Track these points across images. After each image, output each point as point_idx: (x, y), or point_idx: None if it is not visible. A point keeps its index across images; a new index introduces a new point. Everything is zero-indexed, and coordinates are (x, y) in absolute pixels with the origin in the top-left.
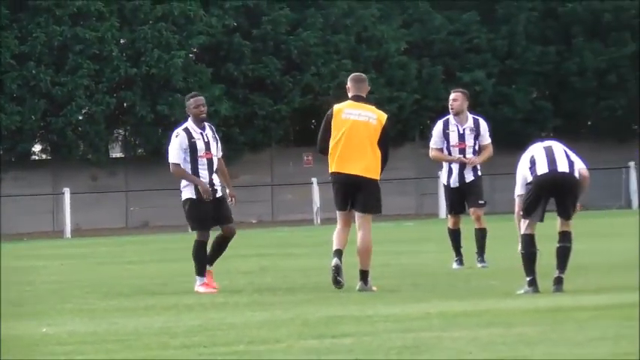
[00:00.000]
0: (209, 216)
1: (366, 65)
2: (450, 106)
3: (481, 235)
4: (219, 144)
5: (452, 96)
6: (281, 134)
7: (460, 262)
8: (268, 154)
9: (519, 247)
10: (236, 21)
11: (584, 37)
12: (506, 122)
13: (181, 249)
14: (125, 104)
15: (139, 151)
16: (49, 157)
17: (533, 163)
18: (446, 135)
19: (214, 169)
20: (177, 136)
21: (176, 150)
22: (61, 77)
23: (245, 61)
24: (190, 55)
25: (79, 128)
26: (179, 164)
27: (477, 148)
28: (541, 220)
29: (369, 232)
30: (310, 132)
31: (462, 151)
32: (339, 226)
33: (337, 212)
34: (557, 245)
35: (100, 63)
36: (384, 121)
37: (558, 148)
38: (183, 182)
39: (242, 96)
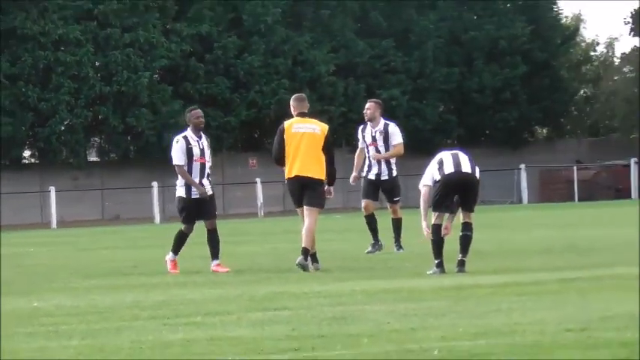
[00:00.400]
0: (193, 213)
1: (301, 84)
2: (365, 114)
3: (397, 225)
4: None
5: (367, 105)
6: (231, 142)
7: (374, 246)
8: (220, 158)
9: (424, 228)
10: (192, 47)
11: (483, 60)
12: (417, 132)
13: (148, 237)
14: (100, 117)
15: (112, 155)
16: (36, 161)
17: (441, 164)
18: (363, 136)
19: (206, 172)
20: (177, 142)
21: (178, 153)
22: (46, 94)
23: (200, 80)
24: (154, 76)
25: (62, 137)
26: (182, 165)
27: (388, 147)
28: (449, 212)
29: (315, 221)
30: (255, 140)
31: (376, 149)
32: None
33: (297, 209)
34: (461, 234)
35: (79, 82)
36: (326, 131)
37: (463, 155)
38: (179, 182)
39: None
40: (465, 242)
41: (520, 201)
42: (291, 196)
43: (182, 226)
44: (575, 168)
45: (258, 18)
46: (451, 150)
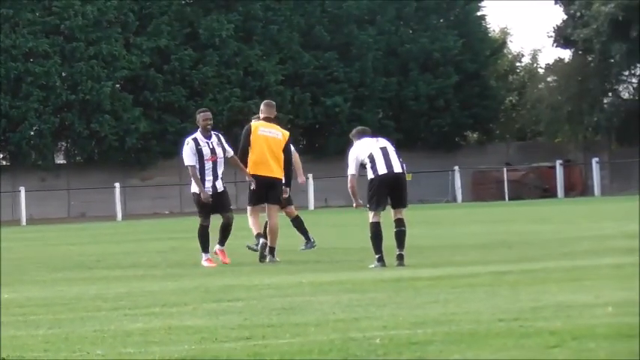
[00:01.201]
0: (209, 207)
1: (252, 93)
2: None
3: (296, 224)
4: (227, 146)
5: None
6: None
7: (307, 244)
8: (177, 160)
9: (356, 203)
10: (151, 59)
11: (418, 70)
12: None
13: (111, 234)
14: (66, 123)
15: (78, 158)
16: (8, 164)
17: (373, 162)
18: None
19: (219, 169)
20: (187, 144)
21: (188, 154)
22: (16, 102)
23: (158, 89)
24: (116, 85)
25: (31, 141)
26: (194, 165)
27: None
28: (383, 209)
29: (277, 218)
30: None
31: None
32: (254, 216)
33: (252, 206)
34: (395, 230)
35: (47, 91)
36: (287, 137)
37: (391, 150)
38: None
39: (156, 116)
40: (401, 237)
41: (455, 200)
42: (254, 194)
43: (200, 220)
44: (505, 169)
45: (212, 32)
46: (374, 138)
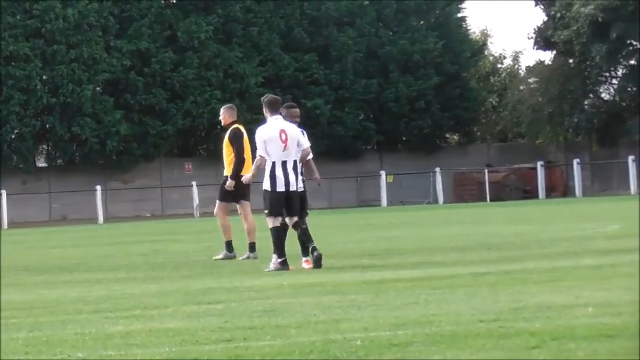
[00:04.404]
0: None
1: (232, 95)
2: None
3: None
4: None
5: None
6: (168, 148)
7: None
8: (158, 163)
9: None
10: (131, 61)
11: (399, 72)
12: (339, 138)
13: (92, 237)
14: (47, 126)
15: (59, 161)
16: None
17: (273, 175)
18: None
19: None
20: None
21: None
22: None
23: (139, 92)
24: (97, 88)
25: (12, 144)
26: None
27: None
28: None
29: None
30: (190, 147)
31: None
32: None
33: (228, 203)
34: (298, 232)
35: (28, 94)
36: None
37: (291, 163)
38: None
39: (137, 119)
40: (306, 236)
41: (436, 201)
42: (230, 194)
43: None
44: (486, 171)
45: (192, 35)
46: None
